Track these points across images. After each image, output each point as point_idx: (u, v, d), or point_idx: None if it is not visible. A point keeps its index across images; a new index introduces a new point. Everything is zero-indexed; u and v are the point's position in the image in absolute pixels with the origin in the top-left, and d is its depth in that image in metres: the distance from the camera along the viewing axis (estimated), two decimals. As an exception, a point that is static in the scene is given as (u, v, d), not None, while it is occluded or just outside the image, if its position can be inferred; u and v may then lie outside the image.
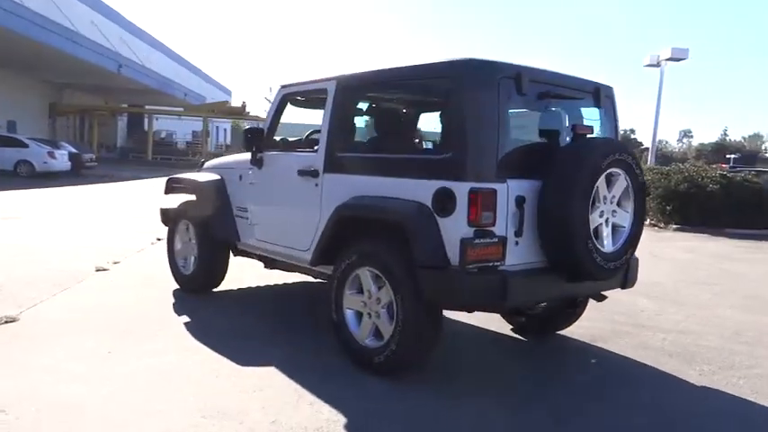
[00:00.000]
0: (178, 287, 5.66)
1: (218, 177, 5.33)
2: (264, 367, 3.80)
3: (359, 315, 3.89)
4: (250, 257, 5.42)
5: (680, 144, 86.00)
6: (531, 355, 4.45)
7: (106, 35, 30.20)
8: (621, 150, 3.61)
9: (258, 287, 6.00)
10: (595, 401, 3.57)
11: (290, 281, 6.23)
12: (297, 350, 4.16)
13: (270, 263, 5.11)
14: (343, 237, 3.96)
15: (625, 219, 3.76)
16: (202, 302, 5.25)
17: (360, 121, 4.44)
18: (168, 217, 5.86)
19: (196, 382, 3.52)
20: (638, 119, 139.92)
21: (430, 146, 4.38)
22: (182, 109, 39.07)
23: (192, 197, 5.52)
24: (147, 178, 22.70)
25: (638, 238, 3.83)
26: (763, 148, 73.71)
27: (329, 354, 4.02)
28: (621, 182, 3.66)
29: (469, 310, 3.70)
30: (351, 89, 4.14)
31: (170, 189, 5.88)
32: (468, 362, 4.23)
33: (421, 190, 3.49)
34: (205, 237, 5.33)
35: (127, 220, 10.71)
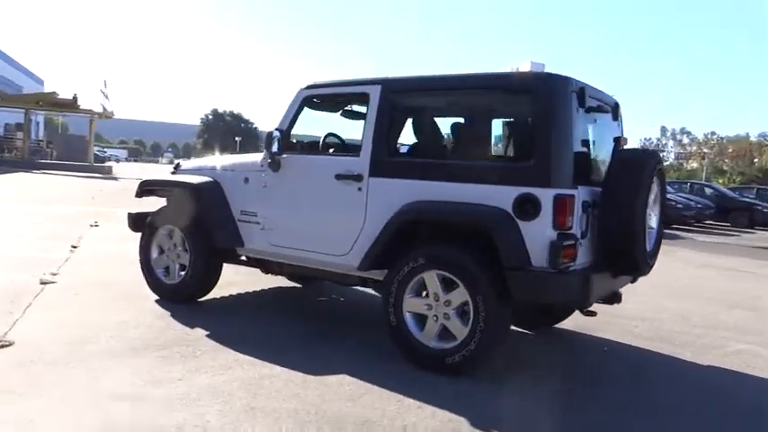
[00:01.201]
0: (157, 298, 5.24)
1: (211, 180, 5.03)
2: (341, 375, 3.73)
3: (419, 318, 3.97)
4: (242, 264, 5.21)
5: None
6: (549, 345, 4.83)
7: None
8: (660, 160, 4.09)
9: (238, 294, 5.74)
10: (638, 379, 4.02)
11: (263, 286, 6.05)
12: (349, 354, 4.16)
13: (276, 268, 4.96)
14: (403, 241, 4.01)
15: (654, 221, 4.25)
16: (201, 313, 4.92)
17: (413, 127, 4.49)
18: (141, 223, 5.39)
19: (293, 395, 3.38)
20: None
21: (495, 153, 4.51)
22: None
23: (179, 201, 5.15)
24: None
25: (662, 239, 4.35)
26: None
27: (386, 358, 4.04)
28: (655, 188, 4.14)
29: (548, 308, 3.94)
30: (402, 94, 4.19)
31: (145, 192, 5.42)
32: (501, 355, 4.46)
33: (498, 195, 3.66)
34: (200, 243, 5.01)
35: None
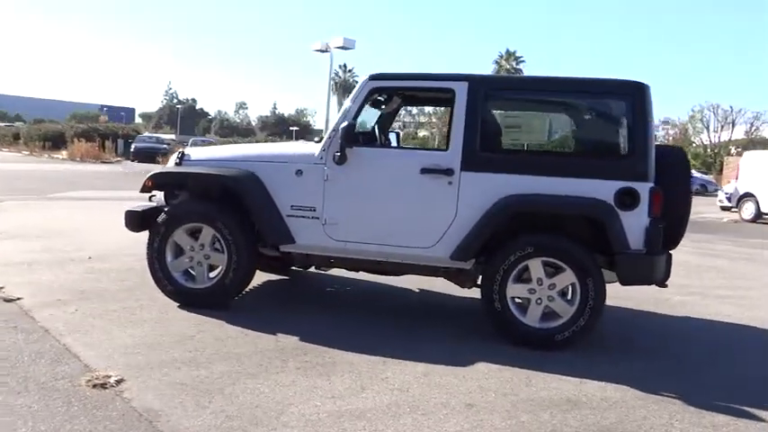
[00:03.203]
0: (177, 305, 4.67)
1: (249, 172, 4.61)
2: (483, 362, 3.90)
3: (521, 302, 4.31)
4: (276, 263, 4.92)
5: (237, 114, 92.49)
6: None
7: None
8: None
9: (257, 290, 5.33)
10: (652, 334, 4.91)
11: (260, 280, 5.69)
12: (447, 340, 4.32)
13: (326, 263, 4.79)
14: (503, 232, 4.28)
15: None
16: (248, 315, 4.53)
17: (507, 124, 4.63)
18: (146, 222, 4.71)
19: (484, 388, 3.50)
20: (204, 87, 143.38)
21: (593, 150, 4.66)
22: None
23: (213, 196, 4.64)
24: None
25: None
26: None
27: (485, 339, 4.31)
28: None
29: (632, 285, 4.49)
30: (495, 92, 4.38)
31: (159, 187, 4.73)
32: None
33: (601, 189, 4.15)
34: (242, 242, 4.58)
35: None
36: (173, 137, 41.69)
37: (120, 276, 5.54)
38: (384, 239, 4.50)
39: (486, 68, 63.80)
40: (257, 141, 27.27)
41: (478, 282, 4.56)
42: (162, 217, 4.68)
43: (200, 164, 4.80)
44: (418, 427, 2.98)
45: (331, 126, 4.61)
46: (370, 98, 4.59)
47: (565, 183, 4.20)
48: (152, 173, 4.77)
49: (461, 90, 4.35)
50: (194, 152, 4.93)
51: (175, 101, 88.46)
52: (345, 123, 4.34)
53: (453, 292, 5.44)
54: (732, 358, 4.49)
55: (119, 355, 3.63)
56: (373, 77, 4.51)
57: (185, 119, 78.55)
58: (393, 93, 4.86)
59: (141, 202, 5.15)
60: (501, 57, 65.16)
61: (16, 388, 3.10)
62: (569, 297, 4.26)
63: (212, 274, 4.73)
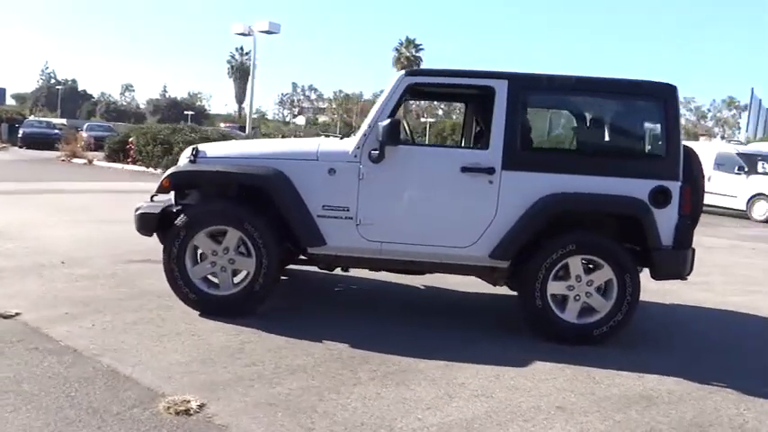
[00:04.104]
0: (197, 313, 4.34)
1: (278, 170, 4.34)
2: (529, 366, 3.93)
3: (560, 299, 4.38)
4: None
5: (123, 97, 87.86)
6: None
7: None
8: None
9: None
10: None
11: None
12: (489, 340, 4.34)
13: (353, 264, 4.63)
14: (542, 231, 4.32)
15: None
16: (286, 322, 4.29)
17: (548, 123, 4.61)
18: (160, 224, 4.34)
19: (529, 387, 3.53)
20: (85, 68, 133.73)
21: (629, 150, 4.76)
22: None
23: (240, 196, 4.36)
24: None
25: None
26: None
27: (514, 335, 4.36)
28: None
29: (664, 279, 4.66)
30: (536, 91, 4.39)
31: (178, 187, 4.38)
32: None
33: (636, 187, 4.30)
34: (273, 245, 4.33)
35: None
36: (63, 121, 38.59)
37: (110, 283, 5.08)
38: (421, 239, 4.41)
39: (388, 55, 64.52)
40: (148, 125, 25.84)
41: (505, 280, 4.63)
42: (181, 219, 4.32)
43: (220, 161, 4.46)
44: (531, 434, 2.97)
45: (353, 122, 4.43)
46: (407, 95, 4.46)
47: (603, 182, 4.30)
48: (170, 172, 4.37)
49: (502, 88, 4.33)
50: (209, 149, 4.57)
51: (53, 81, 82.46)
52: (389, 121, 4.18)
53: (457, 288, 5.52)
54: (742, 345, 4.82)
55: (179, 375, 3.32)
56: (410, 73, 4.40)
57: (66, 101, 73.35)
58: (429, 89, 4.76)
59: (140, 200, 4.75)
60: (401, 44, 65.87)
61: (92, 422, 2.75)
62: (605, 293, 4.38)
63: (236, 280, 4.44)
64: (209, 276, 4.47)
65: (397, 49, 65.92)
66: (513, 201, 4.31)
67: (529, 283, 4.33)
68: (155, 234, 4.54)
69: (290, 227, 4.33)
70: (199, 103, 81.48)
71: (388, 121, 4.19)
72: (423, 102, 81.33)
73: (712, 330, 5.18)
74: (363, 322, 4.57)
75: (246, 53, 72.49)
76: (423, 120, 62.36)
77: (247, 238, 4.31)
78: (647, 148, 4.53)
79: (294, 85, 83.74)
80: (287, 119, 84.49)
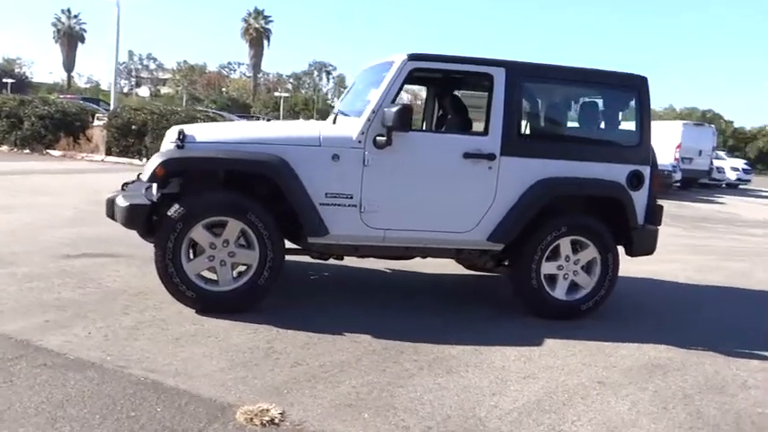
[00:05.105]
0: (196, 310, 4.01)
1: (278, 156, 4.09)
2: (545, 344, 4.15)
3: (550, 278, 4.62)
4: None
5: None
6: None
7: None
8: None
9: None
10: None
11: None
12: (491, 321, 4.50)
13: (349, 252, 4.52)
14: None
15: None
16: (295, 314, 4.08)
17: (540, 110, 4.68)
18: (150, 217, 3.94)
19: (560, 366, 3.76)
20: None
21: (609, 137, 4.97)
22: None
23: (240, 183, 4.06)
24: None
25: None
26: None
27: (504, 313, 4.59)
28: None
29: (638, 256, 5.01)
30: (530, 79, 4.51)
31: (173, 175, 3.96)
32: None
33: (615, 172, 4.64)
34: (277, 236, 4.10)
35: None
36: None
37: (68, 283, 4.50)
38: (424, 225, 4.43)
39: (235, 26, 62.18)
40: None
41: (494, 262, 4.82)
42: (177, 211, 3.93)
43: (213, 147, 4.10)
44: (598, 410, 3.15)
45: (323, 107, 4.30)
46: (409, 79, 4.39)
47: (589, 167, 4.59)
48: (164, 159, 3.92)
49: (500, 75, 4.42)
50: (198, 133, 4.17)
51: None
52: (401, 106, 4.10)
53: (420, 269, 5.66)
54: (710, 311, 5.40)
55: (231, 383, 3.08)
56: (413, 57, 4.32)
57: None
58: (430, 74, 4.71)
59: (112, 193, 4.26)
60: (249, 15, 63.82)
61: (181, 445, 2.49)
62: (588, 270, 4.69)
63: (234, 274, 4.16)
64: (205, 272, 4.15)
65: (245, 20, 63.87)
66: (511, 186, 4.46)
67: (525, 264, 4.53)
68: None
69: (297, 216, 4.13)
70: (19, 69, 72.95)
71: (400, 106, 4.11)
72: (272, 75, 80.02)
73: (654, 301, 5.71)
74: (362, 310, 4.51)
75: (75, 16, 66.23)
76: (276, 94, 61.54)
77: (251, 229, 4.04)
78: (625, 134, 4.87)
79: (131, 54, 77.51)
80: (124, 89, 78.39)
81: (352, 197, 4.26)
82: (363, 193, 4.27)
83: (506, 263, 4.81)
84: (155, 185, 4.09)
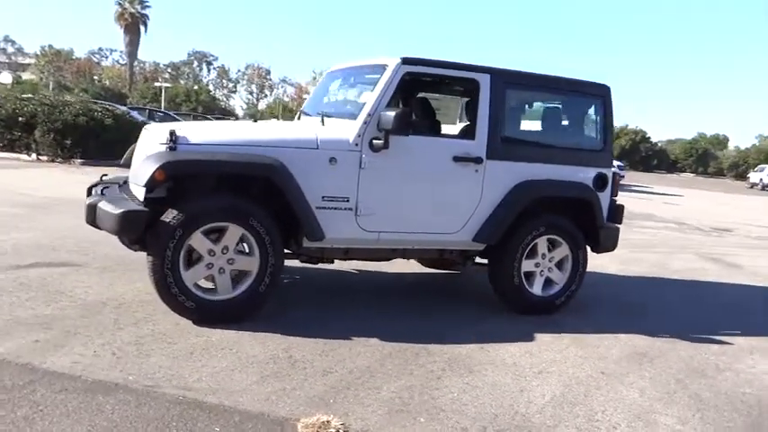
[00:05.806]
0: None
1: (276, 159, 3.98)
2: (538, 339, 4.38)
3: (528, 275, 4.85)
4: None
5: None
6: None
7: None
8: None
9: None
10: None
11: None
12: (481, 318, 4.66)
13: (342, 255, 4.50)
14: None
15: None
16: (296, 321, 3.99)
17: (521, 116, 4.80)
18: (145, 224, 3.69)
19: (561, 360, 3.99)
20: None
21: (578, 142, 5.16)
22: None
23: (243, 188, 3.93)
24: None
25: None
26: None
27: (487, 310, 4.79)
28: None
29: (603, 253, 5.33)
30: (512, 85, 4.66)
31: (174, 179, 3.72)
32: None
33: (584, 174, 4.96)
34: (278, 242, 3.99)
35: None
36: None
37: (37, 297, 4.08)
38: (417, 227, 4.50)
39: (108, 9, 58.47)
40: None
41: (472, 261, 5.01)
42: (176, 217, 3.71)
43: (210, 149, 3.89)
44: (616, 398, 3.39)
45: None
46: (402, 83, 4.41)
47: (562, 170, 4.87)
48: (163, 162, 3.67)
49: (485, 81, 4.57)
50: (191, 134, 3.94)
51: None
52: (400, 110, 4.12)
53: (384, 269, 5.72)
54: (653, 299, 5.87)
55: (275, 397, 2.98)
56: (406, 61, 4.35)
57: None
58: (421, 78, 4.73)
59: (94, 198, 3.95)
60: (124, -1, 60.06)
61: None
62: (560, 267, 4.98)
63: (240, 283, 4.00)
64: (201, 281, 3.96)
65: (119, 3, 60.03)
66: (494, 188, 4.63)
67: (508, 262, 4.72)
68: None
69: (295, 220, 4.04)
70: None
71: (400, 110, 4.13)
72: (149, 64, 75.84)
73: (601, 292, 6.14)
74: (357, 312, 4.49)
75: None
76: (157, 84, 58.41)
77: (252, 235, 3.91)
78: (593, 139, 5.19)
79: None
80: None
81: (348, 200, 4.24)
82: (359, 195, 4.26)
83: (479, 261, 5.00)
84: (143, 190, 3.83)
